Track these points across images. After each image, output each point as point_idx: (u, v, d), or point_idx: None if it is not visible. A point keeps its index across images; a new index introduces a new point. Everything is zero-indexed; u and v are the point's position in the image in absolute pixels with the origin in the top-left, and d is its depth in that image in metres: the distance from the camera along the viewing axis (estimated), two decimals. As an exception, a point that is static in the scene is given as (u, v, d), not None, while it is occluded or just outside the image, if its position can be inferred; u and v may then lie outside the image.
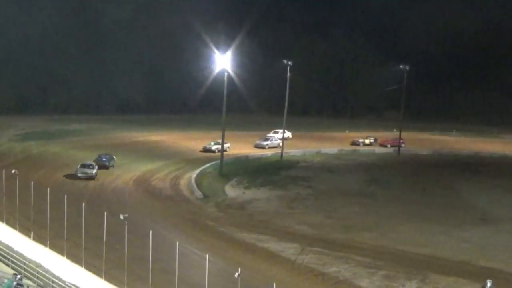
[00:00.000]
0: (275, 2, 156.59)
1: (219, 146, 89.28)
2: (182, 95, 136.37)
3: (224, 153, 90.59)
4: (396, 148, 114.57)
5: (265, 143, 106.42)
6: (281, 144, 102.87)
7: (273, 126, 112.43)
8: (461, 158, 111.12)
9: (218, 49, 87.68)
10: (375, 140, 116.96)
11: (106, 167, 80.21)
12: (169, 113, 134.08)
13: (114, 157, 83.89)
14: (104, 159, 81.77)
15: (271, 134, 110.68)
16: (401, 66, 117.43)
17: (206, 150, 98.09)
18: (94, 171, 75.18)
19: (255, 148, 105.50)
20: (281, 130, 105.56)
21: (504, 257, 53.60)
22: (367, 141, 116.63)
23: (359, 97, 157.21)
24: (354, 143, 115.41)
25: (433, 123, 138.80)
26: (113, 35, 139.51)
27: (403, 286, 47.22)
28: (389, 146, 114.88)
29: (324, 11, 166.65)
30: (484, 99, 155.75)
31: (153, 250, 37.01)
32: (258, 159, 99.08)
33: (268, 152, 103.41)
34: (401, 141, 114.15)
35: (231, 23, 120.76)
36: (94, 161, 78.44)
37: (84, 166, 75.59)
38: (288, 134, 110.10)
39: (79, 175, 74.27)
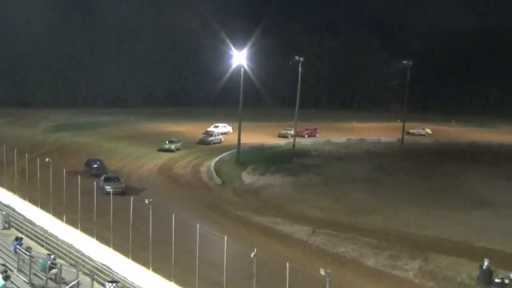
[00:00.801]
0: (287, 2, 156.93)
1: (176, 145, 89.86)
2: (201, 89, 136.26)
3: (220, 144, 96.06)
4: (400, 138, 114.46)
5: (210, 138, 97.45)
6: (222, 139, 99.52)
7: (285, 118, 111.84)
8: (461, 147, 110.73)
9: (235, 46, 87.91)
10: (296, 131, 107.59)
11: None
12: (189, 106, 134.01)
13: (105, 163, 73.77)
14: (95, 166, 70.02)
15: (211, 129, 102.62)
16: (404, 62, 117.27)
17: (164, 150, 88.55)
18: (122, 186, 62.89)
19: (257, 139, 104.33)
20: (221, 124, 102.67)
21: (501, 239, 53.47)
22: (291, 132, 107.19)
23: (366, 91, 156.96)
24: (281, 135, 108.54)
25: (435, 115, 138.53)
26: (138, 33, 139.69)
27: (406, 265, 47.23)
28: (306, 136, 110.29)
29: (334, 11, 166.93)
30: (482, 92, 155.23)
31: (176, 232, 37.02)
32: (273, 148, 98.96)
33: (281, 142, 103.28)
34: (315, 130, 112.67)
35: (247, 23, 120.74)
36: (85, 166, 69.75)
37: (107, 179, 62.94)
38: (228, 128, 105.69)
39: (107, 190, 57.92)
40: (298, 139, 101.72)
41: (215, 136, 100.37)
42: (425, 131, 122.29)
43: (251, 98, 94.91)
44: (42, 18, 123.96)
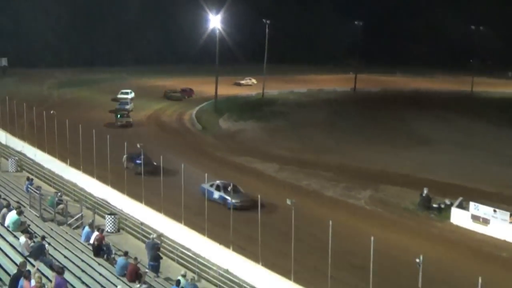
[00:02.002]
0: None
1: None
2: (184, 48, 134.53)
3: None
4: (353, 87, 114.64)
5: (128, 106, 79.54)
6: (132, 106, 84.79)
7: (254, 73, 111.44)
8: (405, 94, 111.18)
9: (211, 11, 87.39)
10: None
11: None
12: (174, 63, 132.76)
13: None
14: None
15: (121, 96, 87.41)
16: (355, 23, 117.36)
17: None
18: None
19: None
20: (129, 90, 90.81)
21: (438, 171, 54.02)
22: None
23: (324, 48, 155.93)
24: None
25: (383, 67, 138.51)
26: (128, 1, 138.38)
27: (359, 194, 47.60)
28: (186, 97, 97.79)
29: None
30: (422, 47, 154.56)
31: (164, 170, 37.11)
32: (245, 98, 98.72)
33: (252, 92, 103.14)
34: (191, 91, 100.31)
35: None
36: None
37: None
38: (132, 95, 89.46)
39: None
40: (258, 91, 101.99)
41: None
42: (252, 81, 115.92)
43: (225, 55, 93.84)
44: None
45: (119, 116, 70.86)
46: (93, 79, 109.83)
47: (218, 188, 43.31)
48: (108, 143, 42.06)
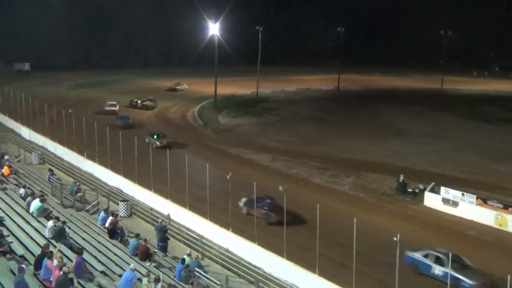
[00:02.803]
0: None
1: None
2: (186, 52, 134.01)
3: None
4: (337, 86, 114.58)
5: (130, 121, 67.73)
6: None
7: (249, 74, 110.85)
8: (383, 92, 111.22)
9: (210, 19, 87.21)
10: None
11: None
12: (176, 66, 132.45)
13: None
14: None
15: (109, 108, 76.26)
16: (338, 29, 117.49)
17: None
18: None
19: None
20: (115, 102, 78.77)
21: (413, 159, 54.23)
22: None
23: (311, 51, 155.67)
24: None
25: (363, 68, 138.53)
26: (136, 9, 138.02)
27: (343, 181, 47.69)
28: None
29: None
30: (400, 50, 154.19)
31: (170, 162, 37.10)
32: (241, 96, 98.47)
33: (247, 91, 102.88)
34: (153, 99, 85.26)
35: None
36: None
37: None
38: (117, 107, 77.48)
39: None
40: (259, 89, 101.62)
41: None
42: (184, 86, 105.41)
43: (223, 58, 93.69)
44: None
45: (155, 137, 57.35)
46: (104, 81, 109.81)
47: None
48: (120, 137, 42.07)
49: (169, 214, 36.27)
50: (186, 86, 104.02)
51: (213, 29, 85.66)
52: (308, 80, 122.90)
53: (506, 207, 37.00)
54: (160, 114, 79.15)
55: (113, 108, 75.13)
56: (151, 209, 37.62)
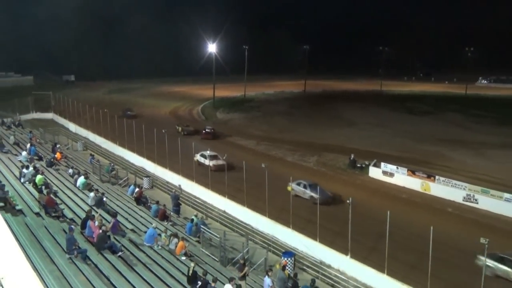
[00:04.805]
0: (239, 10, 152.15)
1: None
2: (191, 65, 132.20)
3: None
4: (304, 89, 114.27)
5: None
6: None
7: (238, 81, 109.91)
8: (337, 93, 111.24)
9: (209, 40, 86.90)
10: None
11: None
12: (185, 75, 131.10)
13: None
14: (128, 112, 68.20)
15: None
16: (304, 46, 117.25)
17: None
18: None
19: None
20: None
21: (360, 142, 54.29)
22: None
23: (284, 63, 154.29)
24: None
25: (323, 75, 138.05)
26: (154, 33, 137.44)
27: (309, 159, 47.81)
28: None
29: (266, 15, 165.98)
30: (351, 61, 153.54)
31: (181, 147, 36.94)
32: (232, 98, 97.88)
33: (237, 94, 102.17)
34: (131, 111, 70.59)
35: (218, 23, 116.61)
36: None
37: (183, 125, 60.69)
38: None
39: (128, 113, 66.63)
40: (246, 92, 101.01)
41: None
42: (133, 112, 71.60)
43: (219, 70, 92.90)
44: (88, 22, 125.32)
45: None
46: (131, 87, 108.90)
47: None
48: (143, 129, 41.84)
49: (180, 185, 36.22)
50: (136, 112, 71.10)
51: (211, 47, 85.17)
52: (282, 85, 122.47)
53: (429, 176, 37.37)
54: (173, 112, 78.78)
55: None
56: (167, 182, 37.61)
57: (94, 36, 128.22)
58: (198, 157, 41.98)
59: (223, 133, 60.14)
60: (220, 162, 38.68)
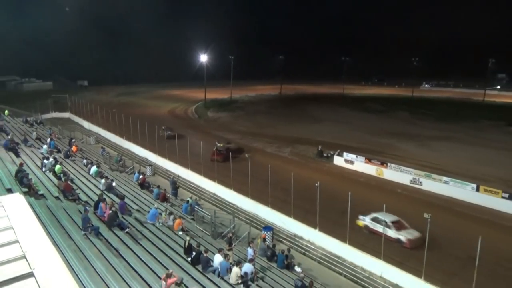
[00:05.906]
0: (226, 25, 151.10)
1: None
2: (186, 71, 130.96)
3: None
4: (280, 92, 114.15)
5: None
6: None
7: (227, 85, 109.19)
8: (308, 95, 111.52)
9: (200, 51, 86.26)
10: None
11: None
12: (182, 81, 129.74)
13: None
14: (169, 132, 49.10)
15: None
16: (280, 56, 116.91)
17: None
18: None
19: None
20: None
21: (327, 136, 54.38)
22: None
23: (263, 70, 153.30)
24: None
25: (296, 80, 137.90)
26: (148, 40, 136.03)
27: (284, 150, 47.73)
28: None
29: (248, 31, 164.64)
30: (319, 68, 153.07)
31: (178, 136, 36.69)
32: (220, 100, 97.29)
33: (225, 96, 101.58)
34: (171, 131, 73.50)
35: (209, 37, 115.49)
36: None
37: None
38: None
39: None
40: (232, 95, 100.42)
41: None
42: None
43: (210, 76, 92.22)
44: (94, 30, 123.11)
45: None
46: (136, 91, 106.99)
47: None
48: (146, 125, 41.39)
49: (178, 175, 35.99)
50: (175, 133, 68.00)
51: (203, 57, 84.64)
52: (262, 89, 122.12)
53: (382, 163, 37.79)
54: (171, 111, 78.03)
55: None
56: (167, 170, 37.32)
57: (104, 46, 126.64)
58: (367, 221, 24.57)
59: (213, 128, 59.69)
60: (416, 234, 22.28)
